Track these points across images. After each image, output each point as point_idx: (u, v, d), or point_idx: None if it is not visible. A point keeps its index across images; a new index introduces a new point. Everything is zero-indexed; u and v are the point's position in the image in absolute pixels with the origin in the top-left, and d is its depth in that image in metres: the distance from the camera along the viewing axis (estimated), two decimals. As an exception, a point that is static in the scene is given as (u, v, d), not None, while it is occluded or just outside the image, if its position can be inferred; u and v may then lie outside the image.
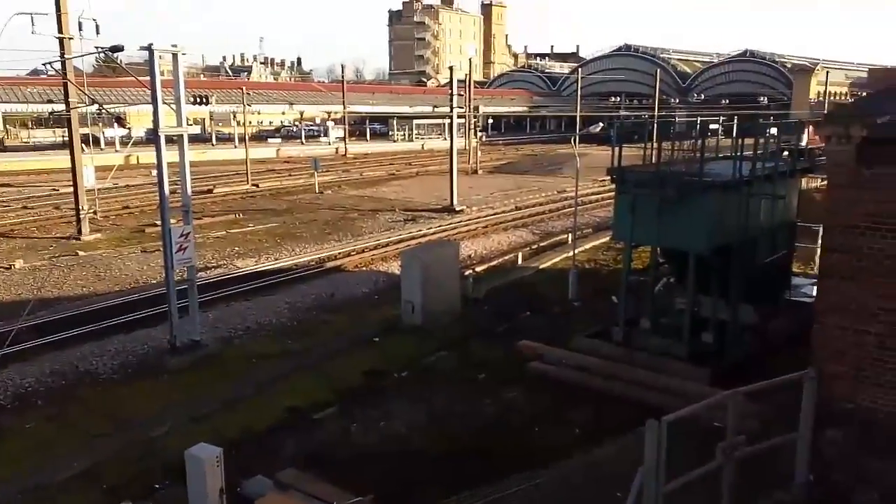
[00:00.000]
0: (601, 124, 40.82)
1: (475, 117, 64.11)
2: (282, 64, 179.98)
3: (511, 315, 17.73)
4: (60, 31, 26.23)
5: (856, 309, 8.19)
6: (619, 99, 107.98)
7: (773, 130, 16.25)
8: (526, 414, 12.22)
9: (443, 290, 17.50)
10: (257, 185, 44.63)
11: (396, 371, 14.27)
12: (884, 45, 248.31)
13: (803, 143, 17.00)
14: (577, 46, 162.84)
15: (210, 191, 41.62)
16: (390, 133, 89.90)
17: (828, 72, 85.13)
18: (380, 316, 18.05)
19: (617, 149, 13.88)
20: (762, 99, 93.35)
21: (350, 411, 12.39)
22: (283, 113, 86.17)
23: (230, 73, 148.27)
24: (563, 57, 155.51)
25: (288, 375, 14.21)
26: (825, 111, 32.44)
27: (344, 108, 75.20)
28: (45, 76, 59.44)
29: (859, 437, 8.09)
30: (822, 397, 8.37)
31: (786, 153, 16.84)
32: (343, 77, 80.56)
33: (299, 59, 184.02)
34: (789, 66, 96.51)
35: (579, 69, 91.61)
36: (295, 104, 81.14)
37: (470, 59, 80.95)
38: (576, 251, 21.08)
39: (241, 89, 56.60)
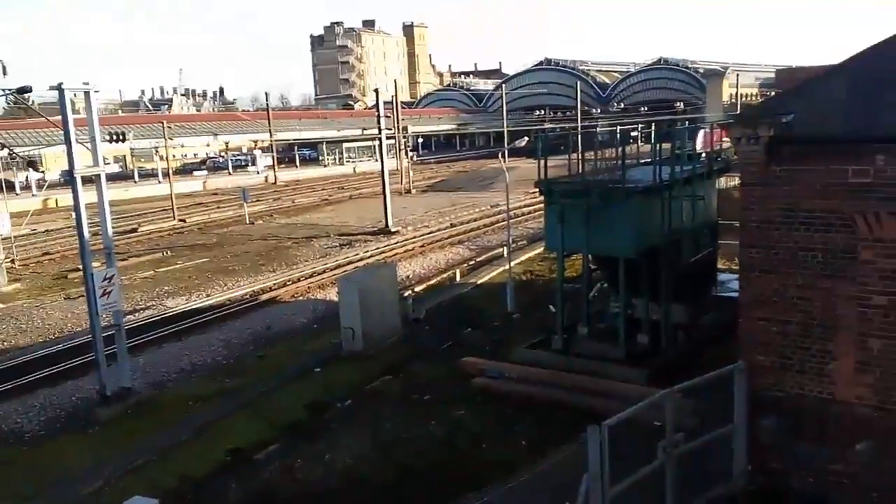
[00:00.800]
0: (526, 138, 41.57)
1: (404, 137, 64.37)
2: (204, 95, 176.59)
3: (453, 332, 17.73)
4: (-38, 73, 24.97)
5: (776, 300, 8.51)
6: (543, 112, 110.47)
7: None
8: (473, 431, 12.20)
9: (382, 313, 17.38)
10: (184, 221, 43.38)
11: (340, 400, 14.02)
12: (792, 45, 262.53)
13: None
14: (500, 63, 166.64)
15: (135, 230, 40.21)
16: (320, 158, 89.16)
17: (738, 75, 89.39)
18: (320, 345, 17.75)
19: (542, 161, 14.15)
20: (678, 104, 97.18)
21: (294, 447, 12.07)
22: (208, 144, 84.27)
23: (150, 107, 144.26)
24: (486, 74, 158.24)
25: (227, 416, 13.76)
26: (737, 113, 34.02)
27: (270, 135, 74.22)
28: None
29: (790, 425, 8.39)
30: (754, 388, 8.65)
31: (703, 155, 17.52)
32: (268, 104, 79.66)
33: (221, 89, 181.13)
34: (702, 70, 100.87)
35: (503, 85, 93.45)
36: (219, 135, 79.53)
37: (395, 80, 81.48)
38: (511, 264, 21.32)
39: (162, 123, 55.07)
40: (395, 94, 61.79)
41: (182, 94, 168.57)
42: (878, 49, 8.89)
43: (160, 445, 12.55)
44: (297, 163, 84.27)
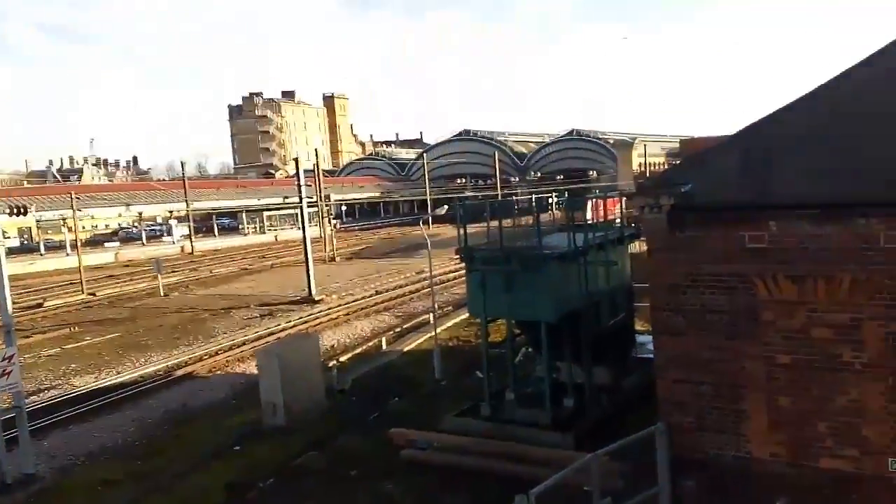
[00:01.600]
0: (446, 206, 42.47)
1: (327, 205, 64.32)
2: (116, 164, 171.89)
3: (380, 402, 17.44)
4: None
5: (689, 362, 8.89)
6: (464, 180, 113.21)
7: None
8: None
9: (306, 386, 16.94)
10: (94, 294, 41.33)
11: (262, 479, 13.41)
12: (697, 113, 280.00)
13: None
14: (421, 133, 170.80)
15: (40, 304, 37.99)
16: (240, 227, 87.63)
17: (645, 145, 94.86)
18: (239, 421, 17.06)
19: (463, 229, 14.47)
20: (592, 172, 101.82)
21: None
22: (120, 215, 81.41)
23: (58, 178, 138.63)
24: (408, 143, 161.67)
25: (138, 501, 12.93)
26: (642, 181, 36.37)
27: (187, 205, 72.60)
28: None
29: (712, 485, 8.63)
30: (675, 449, 8.90)
31: (616, 222, 18.34)
32: (184, 173, 78.08)
33: (135, 158, 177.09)
34: (612, 141, 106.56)
35: (424, 154, 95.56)
36: (132, 205, 77.05)
37: (316, 150, 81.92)
38: (437, 331, 21.35)
39: (70, 194, 53.03)
40: (317, 163, 62.06)
41: (93, 164, 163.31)
42: (766, 121, 9.72)
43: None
44: (216, 232, 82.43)
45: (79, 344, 27.69)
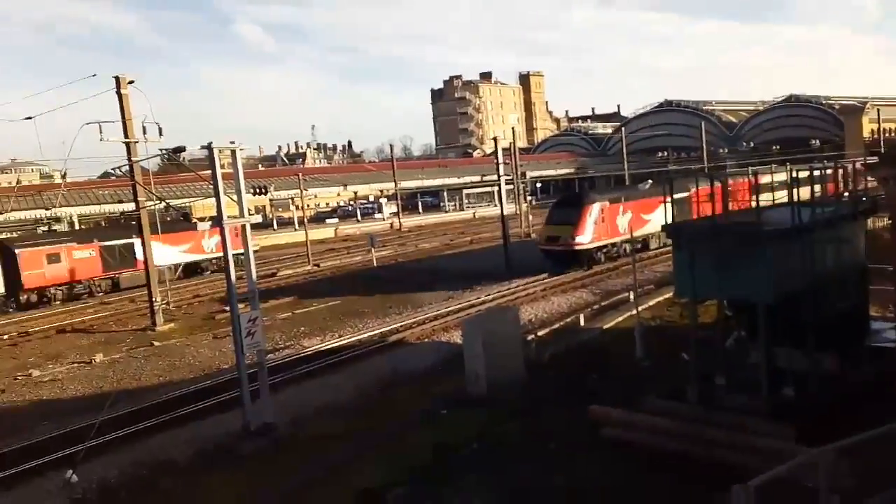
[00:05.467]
0: (650, 181, 40.78)
1: (523, 182, 64.85)
2: (334, 148, 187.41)
3: (577, 378, 17.41)
4: (126, 135, 28.08)
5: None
6: (665, 153, 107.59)
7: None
8: (601, 485, 11.80)
9: (506, 358, 17.40)
10: (318, 265, 45.81)
11: (465, 445, 14.07)
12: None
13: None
14: (618, 106, 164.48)
15: (274, 274, 42.96)
16: (441, 204, 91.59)
17: (878, 109, 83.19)
18: (444, 388, 18.00)
19: (669, 204, 13.86)
20: (814, 141, 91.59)
21: (422, 490, 12.22)
22: (338, 194, 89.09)
23: (286, 161, 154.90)
24: (604, 118, 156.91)
25: (358, 455, 14.19)
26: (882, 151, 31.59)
27: (395, 184, 77.32)
28: (114, 178, 63.19)
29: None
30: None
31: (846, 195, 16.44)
32: (392, 155, 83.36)
33: (350, 143, 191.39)
34: (837, 107, 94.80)
35: (622, 128, 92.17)
36: (348, 185, 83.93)
37: (513, 128, 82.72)
38: (639, 308, 20.75)
39: (298, 175, 58.86)
40: (513, 141, 62.64)
41: (315, 149, 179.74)
42: None
43: (298, 481, 13.15)
44: (420, 209, 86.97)
45: (307, 309, 30.89)
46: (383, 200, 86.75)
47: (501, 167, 41.70)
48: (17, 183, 73.21)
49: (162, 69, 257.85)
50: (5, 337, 30.33)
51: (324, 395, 18.48)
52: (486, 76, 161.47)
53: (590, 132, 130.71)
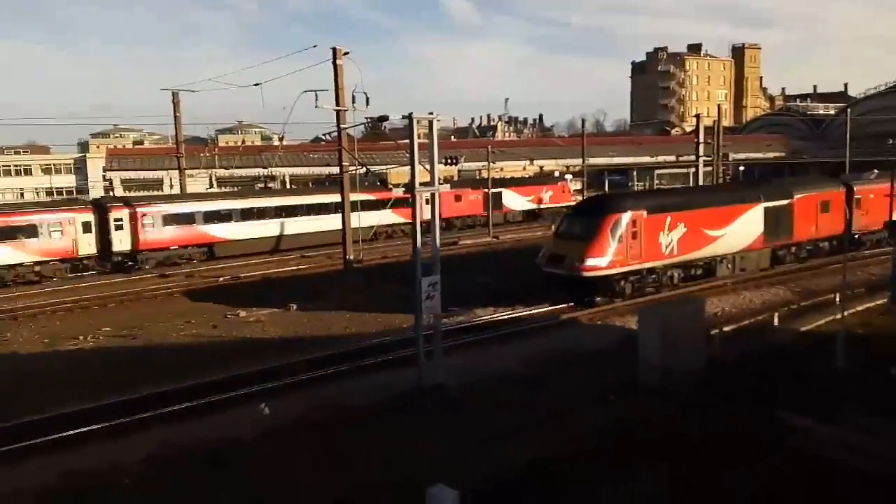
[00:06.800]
0: (876, 171, 36.06)
1: (724, 165, 60.45)
2: (524, 122, 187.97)
3: (764, 381, 16.12)
4: (338, 104, 30.20)
5: None
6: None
7: None
8: (787, 499, 10.90)
9: (685, 350, 16.55)
10: (497, 237, 46.54)
11: (634, 434, 13.67)
12: None
13: None
14: (845, 85, 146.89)
15: (455, 242, 44.37)
16: (630, 184, 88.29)
17: None
18: (615, 373, 17.55)
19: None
20: None
21: (593, 470, 12.04)
22: (524, 168, 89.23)
23: (477, 133, 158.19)
24: (827, 97, 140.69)
25: (523, 426, 14.34)
26: None
27: (583, 160, 75.72)
28: (323, 143, 68.68)
29: None
30: None
31: None
32: (583, 130, 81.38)
33: (541, 116, 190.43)
34: None
35: (848, 109, 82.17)
36: (535, 159, 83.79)
37: (718, 105, 77.12)
38: (844, 313, 18.67)
39: (487, 148, 59.83)
40: (718, 119, 58.35)
41: (505, 122, 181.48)
42: None
43: (465, 443, 13.60)
44: (606, 187, 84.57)
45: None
46: (568, 177, 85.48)
47: (702, 147, 39.21)
48: (242, 143, 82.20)
49: (371, 42, 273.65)
50: (220, 279, 34.63)
51: (493, 364, 18.86)
52: (694, 48, 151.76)
53: (808, 112, 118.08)
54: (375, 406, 16.15)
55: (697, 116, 44.39)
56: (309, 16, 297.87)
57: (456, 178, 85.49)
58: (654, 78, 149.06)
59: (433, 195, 17.31)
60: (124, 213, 38.12)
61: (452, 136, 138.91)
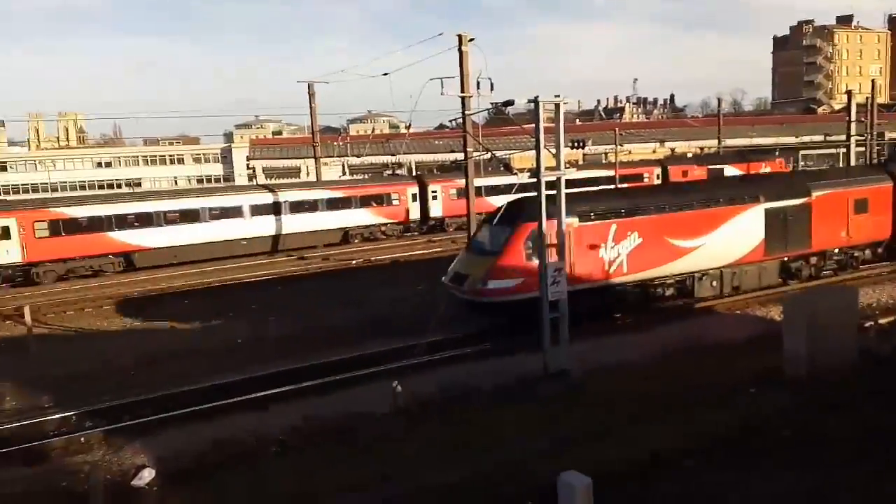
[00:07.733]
0: None
1: (879, 145, 55.17)
2: (654, 103, 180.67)
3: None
4: (462, 90, 30.42)
5: None
6: None
7: None
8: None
9: (834, 342, 15.32)
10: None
11: (774, 428, 12.85)
12: None
13: None
14: None
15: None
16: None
17: None
18: (754, 365, 16.56)
19: None
20: None
21: (721, 465, 11.51)
22: (654, 150, 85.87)
23: (603, 116, 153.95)
24: None
25: (649, 416, 13.92)
26: None
27: (719, 142, 71.80)
28: (447, 129, 69.59)
29: None
30: None
31: None
32: (719, 110, 77.21)
33: (672, 97, 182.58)
34: None
35: None
36: (666, 141, 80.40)
37: (872, 80, 70.20)
38: None
39: (614, 130, 58.17)
40: (872, 95, 53.24)
41: (634, 103, 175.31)
42: None
43: (588, 430, 13.37)
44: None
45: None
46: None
47: (853, 126, 35.97)
48: (372, 132, 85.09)
49: (494, 27, 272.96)
50: (353, 262, 36.17)
51: (622, 351, 18.42)
52: (844, 20, 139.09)
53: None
54: (499, 388, 16.29)
55: (849, 92, 40.94)
56: (430, 3, 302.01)
57: (581, 162, 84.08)
58: (799, 53, 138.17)
59: (559, 179, 17.04)
60: (438, 187, 47.59)
61: (577, 120, 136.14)
